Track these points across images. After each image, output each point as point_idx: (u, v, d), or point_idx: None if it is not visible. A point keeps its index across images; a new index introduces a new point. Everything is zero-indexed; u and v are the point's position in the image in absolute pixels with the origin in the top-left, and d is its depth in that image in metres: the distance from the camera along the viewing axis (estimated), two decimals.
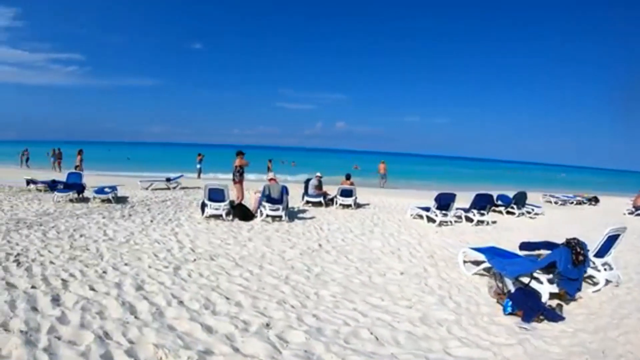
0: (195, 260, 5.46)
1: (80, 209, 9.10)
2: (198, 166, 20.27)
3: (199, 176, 19.84)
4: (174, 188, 14.11)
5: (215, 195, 8.58)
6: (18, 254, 5.18)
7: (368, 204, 12.42)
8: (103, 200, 10.24)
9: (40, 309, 3.53)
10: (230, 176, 10.77)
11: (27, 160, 25.51)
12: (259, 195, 8.94)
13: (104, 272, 4.72)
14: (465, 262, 5.71)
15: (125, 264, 5.08)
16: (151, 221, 7.98)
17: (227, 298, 4.14)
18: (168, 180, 14.16)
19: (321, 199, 11.25)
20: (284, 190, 9.01)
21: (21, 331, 3.08)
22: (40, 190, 12.02)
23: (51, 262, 4.95)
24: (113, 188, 10.67)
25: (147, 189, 13.62)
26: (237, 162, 10.13)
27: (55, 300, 3.74)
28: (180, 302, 3.93)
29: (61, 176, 15.06)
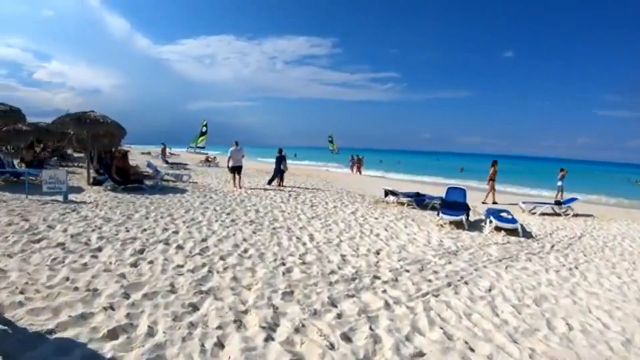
0: None
1: (487, 245, 6.61)
2: (559, 183, 16.38)
3: (561, 196, 16.04)
4: (566, 214, 11.54)
5: None
6: None
7: None
8: (497, 228, 7.89)
9: None
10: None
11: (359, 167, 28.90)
12: None
13: None
14: None
15: None
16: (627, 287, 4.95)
17: None
18: (558, 204, 12.23)
19: None
20: None
21: None
22: (402, 204, 10.75)
23: None
24: (512, 216, 8.69)
25: (531, 212, 11.58)
26: None
27: None
28: None
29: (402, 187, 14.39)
